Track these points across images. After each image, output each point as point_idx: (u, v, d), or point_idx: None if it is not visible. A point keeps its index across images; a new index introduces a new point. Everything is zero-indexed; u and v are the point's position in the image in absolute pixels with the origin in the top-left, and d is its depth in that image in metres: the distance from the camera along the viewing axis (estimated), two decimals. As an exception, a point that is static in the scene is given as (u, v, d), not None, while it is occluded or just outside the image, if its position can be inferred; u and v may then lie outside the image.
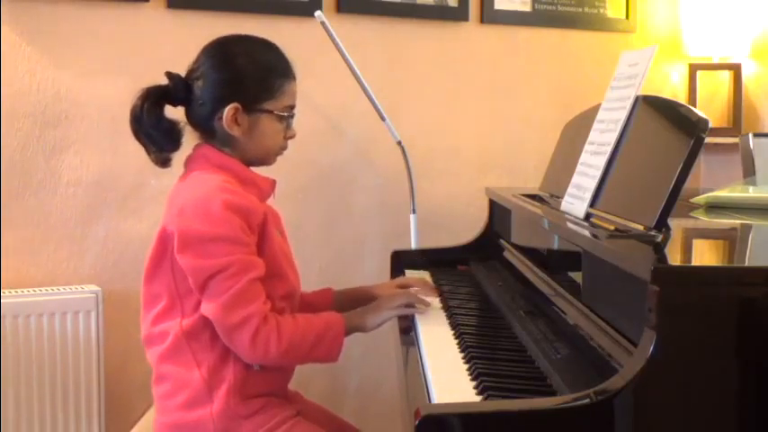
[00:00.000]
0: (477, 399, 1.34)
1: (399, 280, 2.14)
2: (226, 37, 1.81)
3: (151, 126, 1.74)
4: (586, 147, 1.82)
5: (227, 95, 1.73)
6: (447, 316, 1.85)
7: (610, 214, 1.62)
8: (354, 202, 2.90)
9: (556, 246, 1.79)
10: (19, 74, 2.45)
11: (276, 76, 1.77)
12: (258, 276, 1.66)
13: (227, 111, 1.73)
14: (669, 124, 1.60)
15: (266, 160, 1.83)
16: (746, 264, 1.44)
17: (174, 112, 1.79)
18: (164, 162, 1.78)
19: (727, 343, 1.17)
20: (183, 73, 1.78)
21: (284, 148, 1.83)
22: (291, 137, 1.83)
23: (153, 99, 1.74)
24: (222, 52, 1.77)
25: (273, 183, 1.83)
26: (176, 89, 1.76)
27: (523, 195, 2.19)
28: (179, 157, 1.80)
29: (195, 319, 1.69)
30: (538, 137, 3.05)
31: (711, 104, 3.25)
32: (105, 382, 2.45)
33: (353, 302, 1.95)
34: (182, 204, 1.67)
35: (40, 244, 2.49)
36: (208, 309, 1.64)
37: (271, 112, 1.76)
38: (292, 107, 1.81)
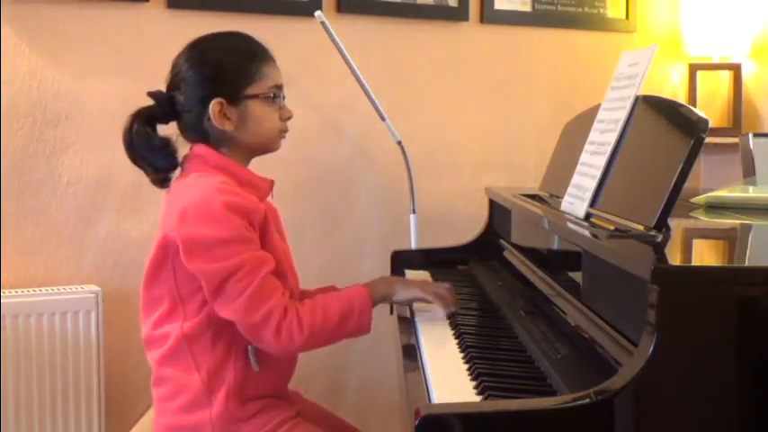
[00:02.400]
0: (477, 399, 1.34)
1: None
2: (194, 40, 1.80)
3: (143, 147, 1.74)
4: (586, 147, 1.82)
5: (209, 93, 1.73)
6: (447, 316, 1.85)
7: (610, 214, 1.62)
8: (354, 201, 2.90)
9: (556, 246, 1.79)
10: (19, 74, 2.45)
11: (252, 61, 1.76)
12: (271, 270, 1.66)
13: (213, 107, 1.72)
14: (669, 124, 1.60)
15: (269, 146, 1.81)
16: (746, 264, 1.44)
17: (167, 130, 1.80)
18: (162, 182, 1.78)
19: (728, 343, 1.17)
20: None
21: (284, 130, 1.81)
22: (289, 117, 1.81)
23: (141, 121, 1.74)
24: (193, 54, 1.77)
25: (271, 183, 1.83)
26: (161, 105, 1.76)
27: (523, 195, 2.19)
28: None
29: (196, 321, 1.69)
30: (538, 137, 3.05)
31: (711, 104, 3.25)
32: (105, 382, 2.44)
33: None
34: (182, 209, 1.66)
35: (40, 244, 2.49)
36: (227, 312, 1.64)
37: (256, 96, 1.75)
38: (279, 86, 1.79)
